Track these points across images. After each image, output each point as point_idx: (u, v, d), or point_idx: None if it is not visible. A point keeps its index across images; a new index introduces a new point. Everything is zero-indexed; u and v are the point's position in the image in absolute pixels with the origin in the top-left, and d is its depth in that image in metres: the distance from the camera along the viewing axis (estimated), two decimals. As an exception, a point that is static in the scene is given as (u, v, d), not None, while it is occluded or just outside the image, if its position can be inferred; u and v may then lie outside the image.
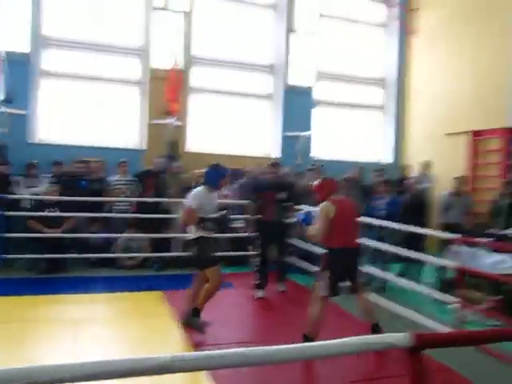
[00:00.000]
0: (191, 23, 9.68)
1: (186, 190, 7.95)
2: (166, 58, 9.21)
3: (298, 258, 7.64)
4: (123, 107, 9.49)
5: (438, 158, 9.46)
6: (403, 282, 5.99)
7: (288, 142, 10.15)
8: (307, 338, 4.14)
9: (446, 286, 6.18)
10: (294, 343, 1.55)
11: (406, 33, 11.14)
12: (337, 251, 4.28)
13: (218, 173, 4.83)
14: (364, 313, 4.54)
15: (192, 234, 4.64)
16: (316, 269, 6.97)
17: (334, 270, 4.25)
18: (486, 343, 2.28)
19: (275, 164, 6.89)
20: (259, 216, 6.41)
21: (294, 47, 10.31)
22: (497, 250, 5.73)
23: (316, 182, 4.55)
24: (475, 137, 8.97)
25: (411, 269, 7.41)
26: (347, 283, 4.46)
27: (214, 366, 1.43)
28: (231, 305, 5.84)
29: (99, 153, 8.53)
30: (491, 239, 5.89)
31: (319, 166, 8.40)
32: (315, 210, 4.63)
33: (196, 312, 4.61)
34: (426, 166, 9.09)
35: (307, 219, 4.58)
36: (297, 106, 10.18)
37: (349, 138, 11.24)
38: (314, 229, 4.30)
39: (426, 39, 10.65)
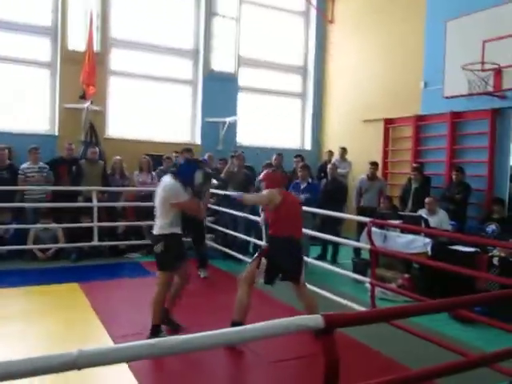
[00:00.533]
0: (110, 4, 9.26)
1: (104, 177, 7.75)
2: (81, 40, 8.76)
3: (220, 244, 7.67)
4: (33, 90, 8.93)
5: (355, 144, 9.85)
6: (322, 265, 6.20)
7: (210, 128, 10.08)
8: (236, 325, 4.03)
9: (362, 266, 6.51)
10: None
11: (324, 22, 11.41)
12: (280, 240, 4.24)
13: (193, 169, 4.40)
14: (306, 308, 4.27)
15: (160, 228, 4.12)
16: (240, 256, 7.07)
17: (274, 258, 4.18)
18: (389, 320, 2.43)
19: (188, 150, 6.82)
20: None
21: (216, 32, 10.21)
22: (407, 231, 6.10)
23: (265, 172, 4.55)
24: (388, 124, 9.42)
25: (329, 251, 7.72)
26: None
27: (126, 358, 1.39)
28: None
29: (7, 139, 7.97)
30: (401, 221, 6.25)
31: (241, 153, 8.43)
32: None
33: (155, 328, 4.09)
34: (344, 151, 9.44)
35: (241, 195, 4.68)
36: (220, 91, 10.11)
37: (271, 124, 11.37)
38: (254, 197, 4.45)
39: (344, 28, 10.98)
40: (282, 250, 4.22)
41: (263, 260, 4.19)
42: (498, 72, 6.63)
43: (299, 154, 8.78)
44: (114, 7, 9.39)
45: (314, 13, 11.49)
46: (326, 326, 1.57)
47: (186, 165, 4.42)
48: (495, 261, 5.28)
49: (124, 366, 3.49)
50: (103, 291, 5.64)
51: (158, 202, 4.18)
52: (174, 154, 8.71)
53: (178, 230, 4.16)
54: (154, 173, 8.22)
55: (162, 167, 8.40)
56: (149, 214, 7.89)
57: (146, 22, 9.80)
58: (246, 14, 10.76)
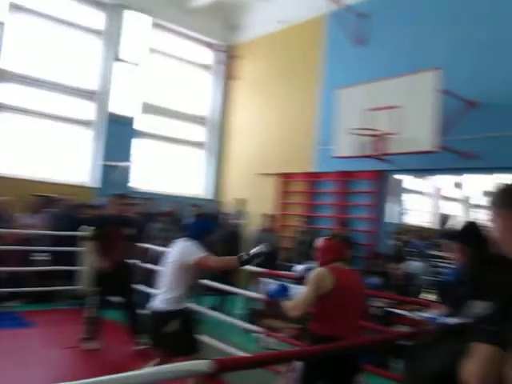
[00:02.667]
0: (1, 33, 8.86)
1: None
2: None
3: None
4: None
5: (252, 196, 10.17)
6: (215, 315, 6.18)
7: (108, 172, 9.84)
8: None
9: (254, 316, 6.59)
10: None
11: (229, 78, 11.92)
12: (326, 341, 2.95)
13: (206, 226, 3.88)
14: None
15: (170, 301, 3.42)
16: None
17: (316, 366, 2.94)
18: (272, 364, 2.50)
19: (124, 196, 5.75)
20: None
21: (119, 76, 10.18)
22: (299, 283, 6.32)
23: (321, 241, 3.43)
24: (284, 179, 9.90)
25: (223, 301, 7.72)
26: None
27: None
28: (36, 347, 5.30)
29: None
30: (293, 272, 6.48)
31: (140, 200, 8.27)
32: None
33: None
34: (241, 203, 9.69)
35: (280, 293, 3.28)
36: (119, 135, 9.99)
37: (172, 171, 11.39)
38: (296, 301, 3.13)
39: (247, 86, 11.54)
40: (328, 357, 3.00)
41: (298, 364, 3.04)
42: (380, 138, 7.34)
43: (195, 204, 8.86)
44: (7, 37, 8.96)
45: (219, 68, 11.98)
46: (214, 370, 1.60)
47: (198, 222, 3.90)
48: (378, 311, 5.66)
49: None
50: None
51: (168, 269, 3.56)
52: (64, 197, 8.36)
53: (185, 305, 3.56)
54: (42, 215, 7.78)
55: (51, 209, 8.02)
56: (33, 259, 7.43)
57: (46, 59, 9.53)
58: (152, 62, 10.90)
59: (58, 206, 8.08)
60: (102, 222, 5.58)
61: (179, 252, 3.56)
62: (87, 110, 10.11)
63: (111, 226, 5.35)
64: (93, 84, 10.15)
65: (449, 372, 1.25)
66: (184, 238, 3.68)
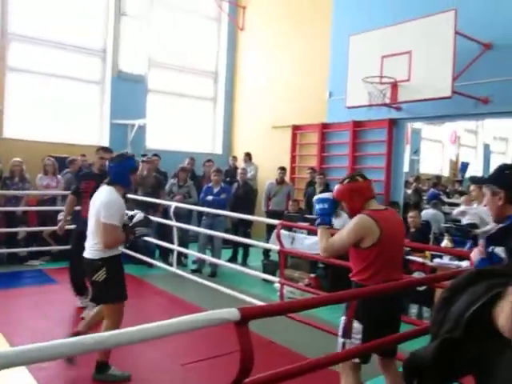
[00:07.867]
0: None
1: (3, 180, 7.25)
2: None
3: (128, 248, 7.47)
4: None
5: (264, 149, 10.14)
6: (233, 266, 6.32)
7: (119, 131, 9.83)
8: None
9: (271, 267, 6.73)
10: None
11: (235, 28, 11.63)
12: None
13: (126, 166, 3.55)
14: None
15: (94, 251, 3.41)
16: (148, 259, 6.94)
17: (371, 319, 2.69)
18: (298, 311, 2.52)
19: (106, 149, 5.56)
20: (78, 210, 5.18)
21: (125, 32, 9.99)
22: (313, 233, 6.40)
23: (340, 186, 2.91)
24: (296, 131, 9.81)
25: (240, 253, 7.88)
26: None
27: (40, 358, 1.37)
28: (60, 302, 5.50)
29: None
30: (307, 223, 6.55)
31: (154, 158, 8.28)
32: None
33: (104, 366, 3.49)
34: (247, 156, 9.70)
35: (326, 211, 2.93)
36: (128, 93, 9.90)
37: (182, 128, 11.34)
38: (331, 242, 2.80)
39: (254, 36, 11.26)
40: (379, 307, 2.70)
41: (356, 325, 2.72)
42: (395, 85, 7.19)
43: (210, 159, 8.86)
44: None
45: (225, 19, 11.67)
46: (242, 317, 1.66)
47: (116, 164, 3.53)
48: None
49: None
50: (3, 301, 5.29)
51: (92, 216, 3.45)
52: (79, 158, 8.42)
53: (117, 251, 3.51)
54: (59, 176, 7.86)
55: (69, 170, 8.11)
56: (52, 219, 7.56)
57: (51, 18, 9.35)
58: (157, 16, 10.66)
59: (73, 166, 8.15)
60: None
61: (100, 202, 3.37)
62: (95, 68, 10.00)
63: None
64: (98, 41, 9.99)
65: (484, 315, 1.22)
66: (108, 185, 3.47)
